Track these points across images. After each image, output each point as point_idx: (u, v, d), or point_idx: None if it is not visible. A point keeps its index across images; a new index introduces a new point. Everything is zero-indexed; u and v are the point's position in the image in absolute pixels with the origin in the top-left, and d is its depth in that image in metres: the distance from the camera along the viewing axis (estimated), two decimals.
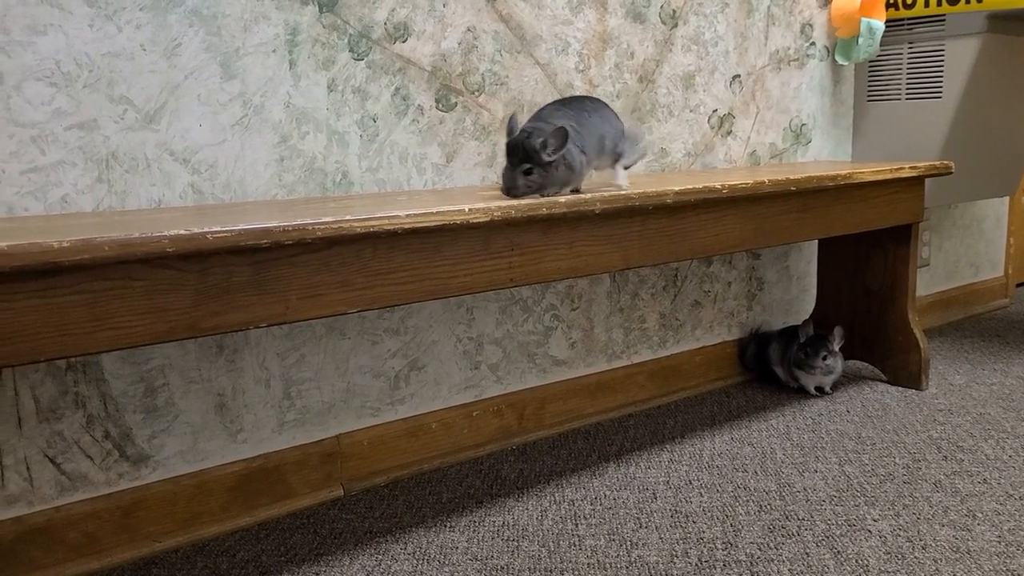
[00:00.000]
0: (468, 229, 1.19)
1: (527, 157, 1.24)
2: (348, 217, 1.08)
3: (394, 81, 1.47)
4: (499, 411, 1.69)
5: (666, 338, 1.95)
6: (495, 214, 1.19)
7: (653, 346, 1.93)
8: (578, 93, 1.71)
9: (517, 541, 1.30)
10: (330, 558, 1.27)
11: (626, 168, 1.43)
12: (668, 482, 1.49)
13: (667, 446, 1.66)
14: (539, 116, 1.31)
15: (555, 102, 1.36)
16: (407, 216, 1.12)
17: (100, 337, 0.94)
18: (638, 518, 1.36)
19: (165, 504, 1.33)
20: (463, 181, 1.59)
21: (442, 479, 1.55)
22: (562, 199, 1.26)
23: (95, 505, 1.27)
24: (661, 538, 1.29)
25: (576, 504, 1.42)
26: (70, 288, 0.91)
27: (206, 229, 0.98)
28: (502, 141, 1.62)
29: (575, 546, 1.27)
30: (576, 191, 1.33)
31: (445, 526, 1.36)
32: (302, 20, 1.37)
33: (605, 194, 1.31)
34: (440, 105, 1.53)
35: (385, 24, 1.45)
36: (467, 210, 1.17)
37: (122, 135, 1.23)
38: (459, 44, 1.54)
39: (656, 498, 1.43)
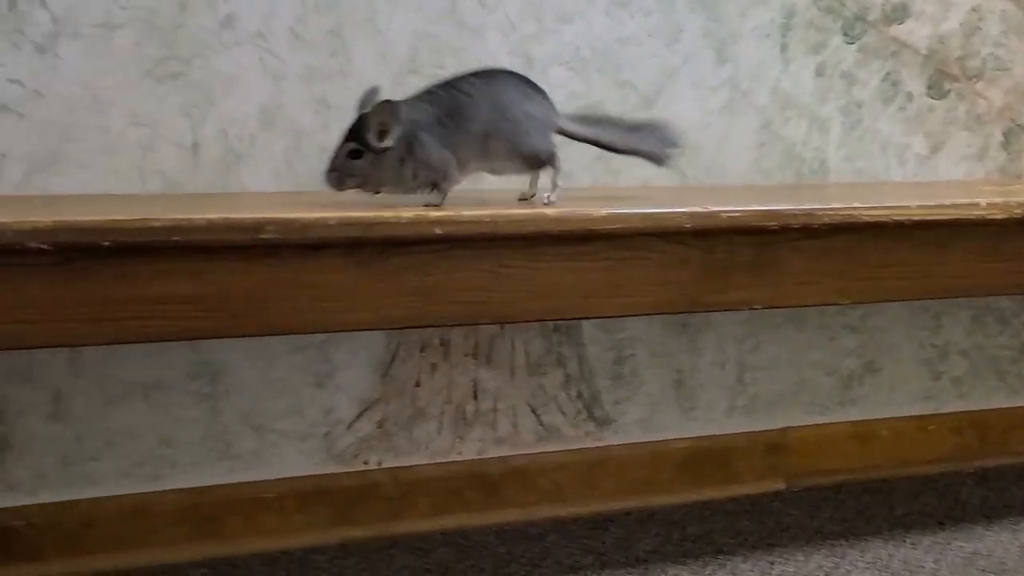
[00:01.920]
0: (980, 225, 1.08)
1: (355, 135, 0.93)
2: (856, 204, 1.04)
3: (885, 65, 1.40)
4: (959, 429, 1.54)
5: None
6: (1015, 211, 1.08)
7: None
8: None
9: (995, 574, 1.17)
10: (782, 550, 1.25)
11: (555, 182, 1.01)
12: None
13: None
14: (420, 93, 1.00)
15: (454, 76, 1.01)
16: (917, 207, 1.05)
17: (617, 303, 1.00)
18: None
19: (622, 468, 1.40)
20: (947, 175, 1.46)
21: (891, 491, 1.45)
22: None
23: (564, 458, 1.38)
24: None
25: None
26: (596, 255, 0.99)
27: (719, 208, 1.00)
28: (997, 132, 1.47)
29: None
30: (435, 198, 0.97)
31: (904, 541, 1.27)
32: (798, 3, 1.35)
33: None
34: (931, 92, 1.42)
35: (883, 5, 1.38)
36: (983, 204, 1.07)
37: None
38: (960, 25, 1.42)
39: None
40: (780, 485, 1.47)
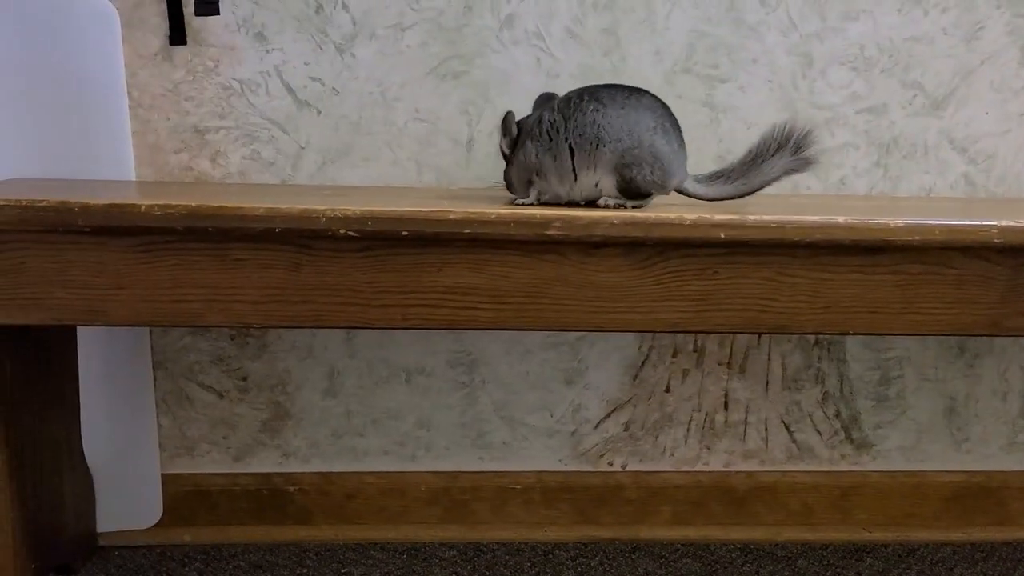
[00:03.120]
0: None
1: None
2: None
3: None
4: None
5: None
6: None
7: None
8: None
9: None
10: None
11: (622, 202, 0.96)
12: None
13: None
14: None
15: (609, 84, 0.98)
16: None
17: (906, 320, 0.93)
18: None
19: (880, 496, 1.31)
20: None
21: None
22: None
23: (816, 479, 1.31)
24: None
25: None
26: (888, 268, 0.92)
27: None
28: None
29: None
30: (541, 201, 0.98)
31: None
32: None
33: None
34: None
35: None
36: None
37: (907, 120, 1.22)
38: None
39: None
40: None
